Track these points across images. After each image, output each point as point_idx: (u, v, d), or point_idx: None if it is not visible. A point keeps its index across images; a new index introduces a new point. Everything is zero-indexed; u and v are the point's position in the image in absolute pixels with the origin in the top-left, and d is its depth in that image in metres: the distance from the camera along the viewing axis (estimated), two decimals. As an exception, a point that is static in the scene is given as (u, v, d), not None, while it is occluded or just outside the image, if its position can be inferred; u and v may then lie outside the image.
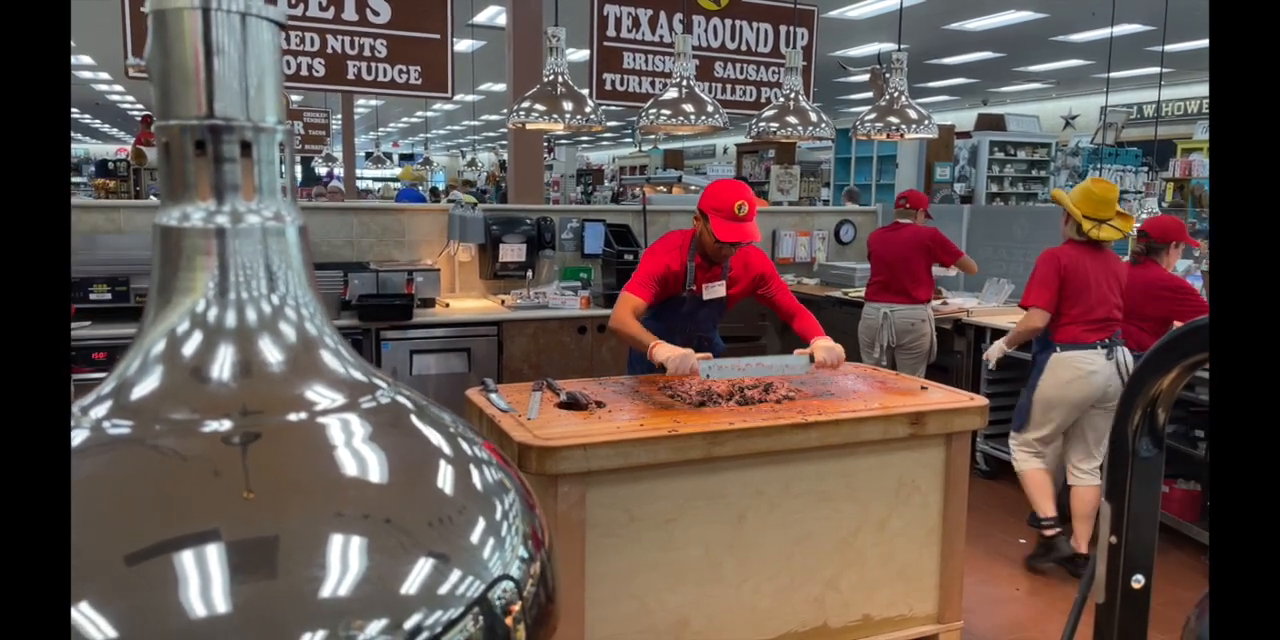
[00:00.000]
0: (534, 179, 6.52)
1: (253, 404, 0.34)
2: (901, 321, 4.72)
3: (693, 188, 10.40)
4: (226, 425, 0.33)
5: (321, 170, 17.78)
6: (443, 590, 0.33)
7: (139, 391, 0.35)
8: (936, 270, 4.91)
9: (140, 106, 18.85)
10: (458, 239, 5.07)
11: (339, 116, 14.76)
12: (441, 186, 16.75)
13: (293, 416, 0.34)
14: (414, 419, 0.38)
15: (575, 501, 2.27)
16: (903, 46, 3.31)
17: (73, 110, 20.63)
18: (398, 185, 17.29)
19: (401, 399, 0.38)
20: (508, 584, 0.36)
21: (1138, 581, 0.62)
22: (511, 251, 5.12)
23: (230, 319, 0.35)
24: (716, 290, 3.16)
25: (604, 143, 29.40)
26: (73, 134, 26.49)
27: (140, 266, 4.25)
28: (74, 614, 0.29)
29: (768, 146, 11.78)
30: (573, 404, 2.57)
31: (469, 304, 4.90)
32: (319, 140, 13.51)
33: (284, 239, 0.36)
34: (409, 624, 0.32)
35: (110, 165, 13.93)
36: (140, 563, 0.30)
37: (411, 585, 0.32)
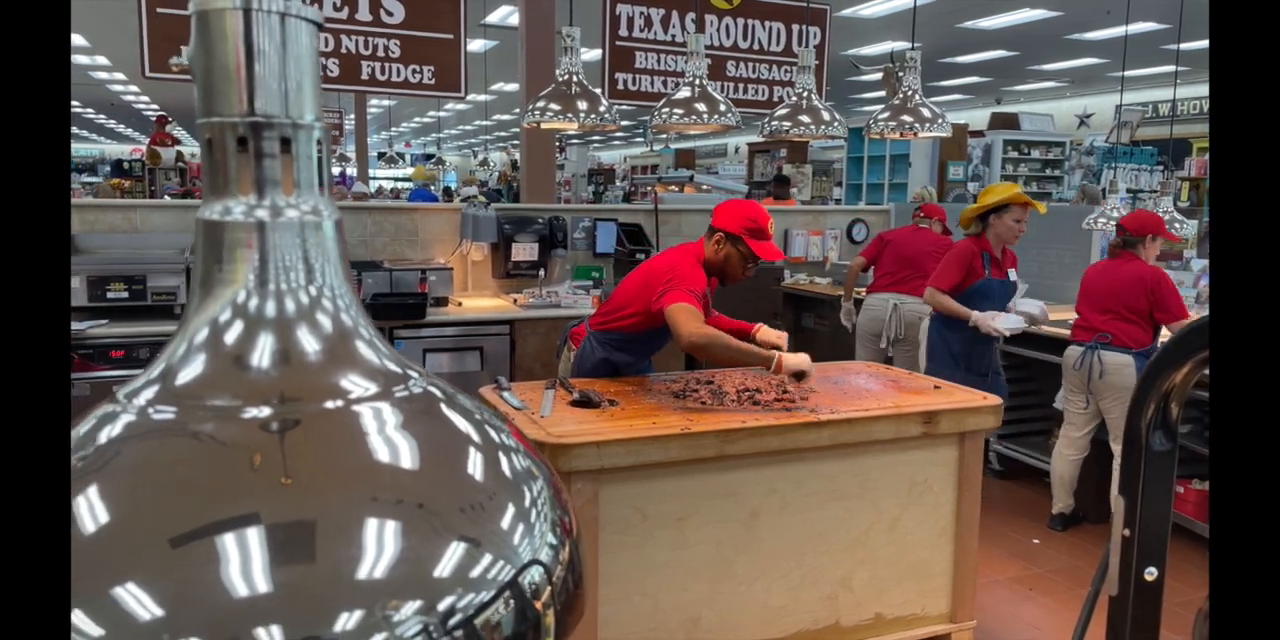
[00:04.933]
0: (546, 178, 6.54)
1: (291, 391, 0.35)
2: (909, 314, 4.74)
3: (704, 187, 10.39)
4: (266, 412, 0.35)
5: (335, 170, 17.87)
6: (475, 573, 0.34)
7: (183, 378, 0.36)
8: None
9: (155, 107, 18.96)
10: (470, 238, 5.09)
11: (352, 116, 14.82)
12: (454, 186, 16.79)
13: (329, 404, 0.36)
14: (445, 408, 0.39)
15: (588, 499, 2.28)
16: (916, 45, 3.30)
17: (88, 110, 20.78)
18: (409, 185, 17.34)
19: (433, 389, 0.40)
20: (538, 569, 0.37)
21: (1150, 574, 0.63)
22: (524, 250, 5.14)
23: (270, 309, 0.36)
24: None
25: (615, 142, 29.41)
26: (89, 134, 26.68)
27: (156, 265, 4.28)
28: (120, 593, 0.30)
29: (780, 146, 11.76)
30: (585, 402, 2.58)
31: (481, 303, 4.92)
32: (333, 140, 13.57)
33: (321, 232, 0.37)
34: (442, 606, 0.33)
35: (125, 165, 14.03)
36: (184, 545, 0.32)
37: (445, 568, 0.33)
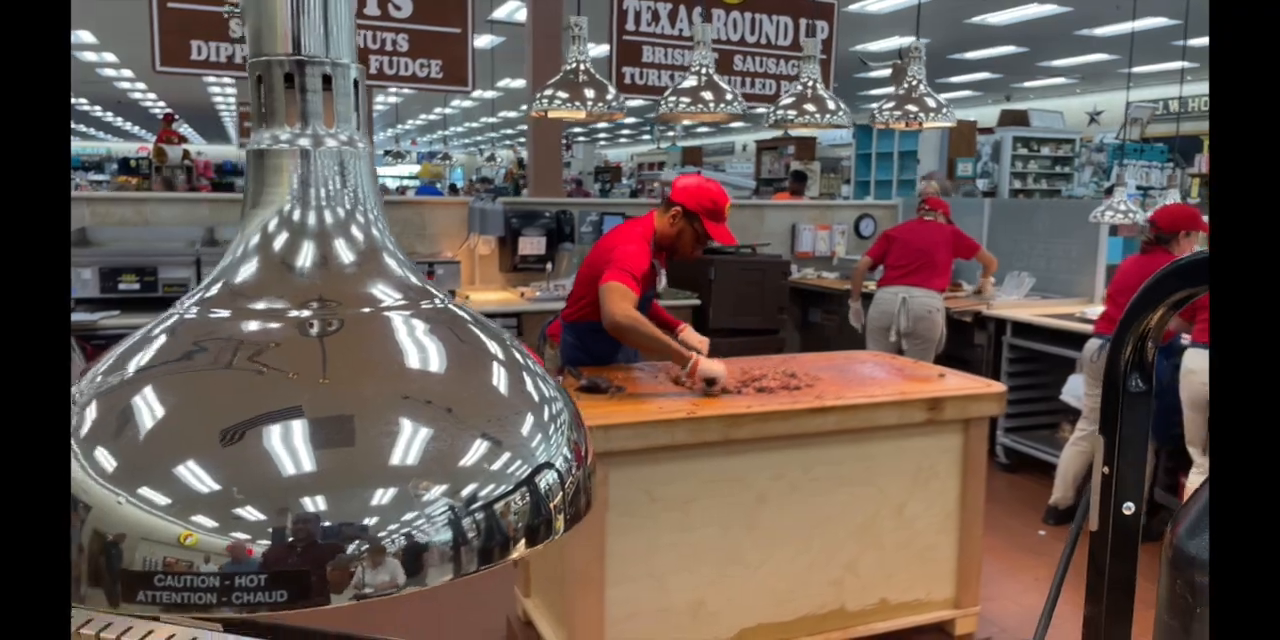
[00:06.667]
0: (553, 172, 6.58)
1: (329, 295, 0.40)
2: (918, 307, 4.75)
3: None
4: (307, 314, 0.39)
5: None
6: (495, 467, 0.38)
7: (236, 280, 0.41)
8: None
9: (162, 104, 19.07)
10: (478, 232, 5.14)
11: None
12: (460, 184, 16.85)
13: (365, 309, 0.40)
14: (469, 325, 0.43)
15: (597, 481, 2.31)
16: (922, 39, 3.32)
17: (95, 108, 20.91)
18: (414, 183, 17.39)
19: (454, 308, 0.44)
20: (552, 473, 0.40)
21: (1128, 508, 0.67)
22: (531, 244, 5.18)
23: (311, 221, 0.41)
24: (663, 278, 3.08)
25: (622, 140, 29.45)
26: (95, 132, 26.83)
27: (168, 257, 4.34)
28: (183, 473, 0.34)
29: (788, 143, 11.78)
30: (593, 388, 2.62)
31: (489, 296, 4.96)
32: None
33: (357, 160, 0.42)
34: (466, 492, 0.36)
35: (132, 163, 14.10)
36: (236, 431, 0.35)
37: (469, 460, 0.37)
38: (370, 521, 0.34)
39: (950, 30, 11.40)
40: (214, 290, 0.41)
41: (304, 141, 0.41)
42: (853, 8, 9.87)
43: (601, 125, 25.06)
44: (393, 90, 15.99)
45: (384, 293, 0.41)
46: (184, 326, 0.40)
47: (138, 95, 18.48)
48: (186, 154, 11.26)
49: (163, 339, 0.40)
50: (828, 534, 2.64)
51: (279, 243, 0.40)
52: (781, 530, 2.58)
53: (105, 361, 0.39)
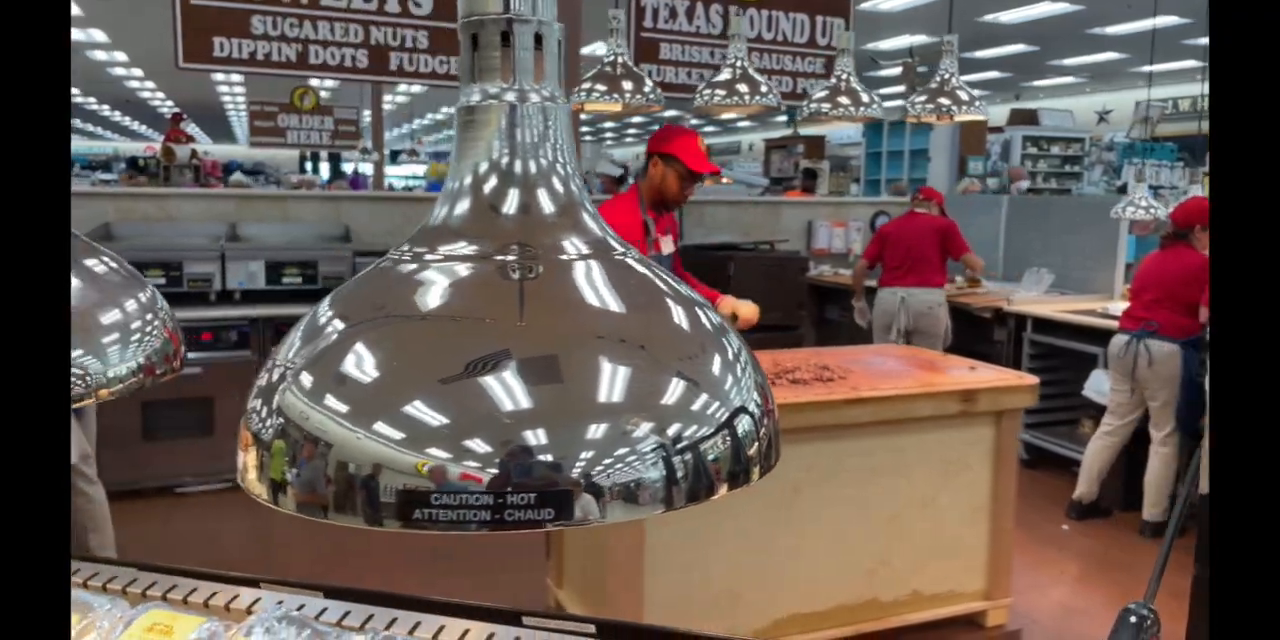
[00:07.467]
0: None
1: (529, 241, 0.42)
2: (918, 305, 4.76)
3: (723, 181, 10.43)
4: (511, 258, 0.41)
5: (348, 167, 17.85)
6: (695, 408, 0.39)
7: (445, 224, 0.43)
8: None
9: (170, 103, 19.11)
10: (498, 228, 5.15)
11: (368, 112, 14.88)
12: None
13: (561, 257, 0.42)
14: (655, 276, 0.45)
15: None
16: (932, 36, 3.33)
17: (104, 107, 20.97)
18: (420, 182, 17.43)
19: (641, 262, 0.46)
20: (748, 418, 0.41)
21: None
22: (550, 240, 5.19)
23: (517, 168, 0.43)
24: (669, 244, 3.08)
25: (628, 140, 29.46)
26: (102, 132, 26.90)
27: (192, 252, 4.37)
28: (412, 411, 0.36)
29: (797, 142, 11.78)
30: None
31: (510, 291, 4.97)
32: (351, 136, 13.60)
33: (558, 115, 0.44)
34: (671, 431, 0.37)
35: (140, 162, 14.11)
36: (458, 371, 0.37)
37: (670, 398, 0.38)
38: (590, 454, 0.36)
39: (961, 29, 11.32)
40: (424, 234, 0.43)
41: (511, 96, 0.43)
42: (864, 6, 9.87)
43: (608, 124, 25.07)
44: (401, 89, 16.00)
45: (576, 243, 0.43)
46: (398, 270, 0.42)
47: (146, 94, 18.52)
48: (195, 153, 11.27)
49: (379, 283, 0.42)
50: (860, 525, 2.65)
51: (487, 188, 0.43)
52: (815, 521, 2.59)
53: (319, 308, 0.41)
